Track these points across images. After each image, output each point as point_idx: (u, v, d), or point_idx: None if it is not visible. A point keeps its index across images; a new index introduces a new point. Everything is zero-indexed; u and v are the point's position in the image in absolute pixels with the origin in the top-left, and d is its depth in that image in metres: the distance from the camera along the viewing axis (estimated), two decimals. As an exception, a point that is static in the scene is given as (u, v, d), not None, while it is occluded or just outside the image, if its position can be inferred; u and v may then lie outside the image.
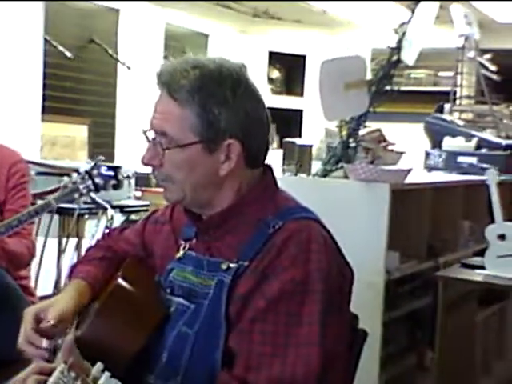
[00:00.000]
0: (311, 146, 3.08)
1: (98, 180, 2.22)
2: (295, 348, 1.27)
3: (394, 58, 2.86)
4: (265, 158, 1.45)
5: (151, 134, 1.39)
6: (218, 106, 1.33)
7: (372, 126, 3.11)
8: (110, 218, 2.84)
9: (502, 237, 2.81)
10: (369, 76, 2.89)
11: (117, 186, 2.25)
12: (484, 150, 4.16)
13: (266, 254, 1.33)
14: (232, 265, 1.35)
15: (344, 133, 2.86)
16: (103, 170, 2.21)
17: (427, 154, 4.23)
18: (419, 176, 3.50)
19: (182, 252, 1.48)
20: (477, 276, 2.82)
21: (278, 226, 1.35)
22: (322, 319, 1.29)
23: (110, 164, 3.26)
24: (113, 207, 3.11)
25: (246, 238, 1.37)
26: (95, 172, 2.22)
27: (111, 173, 2.22)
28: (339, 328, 1.37)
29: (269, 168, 1.48)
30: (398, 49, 2.84)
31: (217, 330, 1.32)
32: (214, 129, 1.34)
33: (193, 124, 1.34)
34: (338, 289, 1.37)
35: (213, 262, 1.39)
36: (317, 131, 3.49)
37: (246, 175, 1.41)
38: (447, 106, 4.69)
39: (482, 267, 2.85)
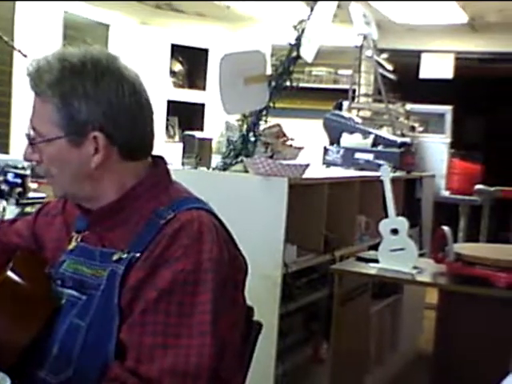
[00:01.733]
0: (211, 140, 3.08)
1: (3, 187, 2.15)
2: (187, 338, 1.27)
3: (294, 54, 2.90)
4: (148, 150, 1.44)
5: (29, 130, 1.40)
6: (79, 98, 1.32)
7: (273, 121, 3.15)
8: (1, 209, 2.75)
9: (394, 231, 2.90)
10: (269, 71, 2.91)
11: (22, 194, 2.18)
12: (380, 147, 4.27)
13: (157, 244, 1.32)
14: (124, 255, 1.34)
15: (244, 127, 2.88)
16: (10, 177, 2.14)
17: (326, 150, 4.32)
18: (317, 171, 3.56)
19: (73, 244, 1.46)
20: (370, 269, 2.90)
21: (170, 217, 1.35)
22: (214, 309, 1.29)
23: (18, 171, 3.16)
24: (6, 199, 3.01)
25: (138, 229, 1.36)
26: (1, 178, 2.14)
27: (18, 180, 2.15)
28: (232, 318, 1.38)
29: (161, 160, 1.47)
30: (297, 45, 2.88)
31: (109, 322, 1.31)
32: (76, 122, 1.34)
33: (55, 118, 1.34)
34: (230, 279, 1.38)
35: (105, 252, 1.38)
36: (219, 125, 3.49)
37: (128, 167, 1.40)
38: (346, 104, 4.79)
39: (376, 261, 2.93)
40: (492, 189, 5.58)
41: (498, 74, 8.31)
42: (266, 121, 3.02)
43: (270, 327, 2.70)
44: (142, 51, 6.31)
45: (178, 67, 6.51)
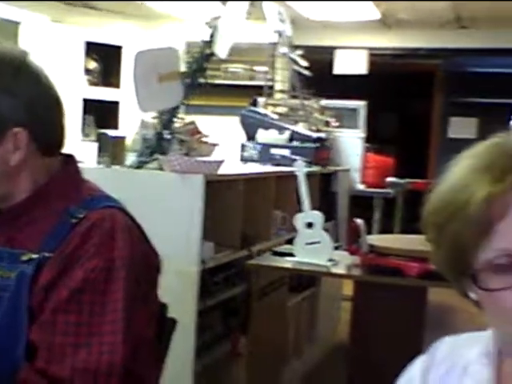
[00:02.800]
0: (125, 138, 3.06)
1: None
2: (99, 337, 1.26)
3: (207, 51, 2.91)
4: (61, 146, 1.43)
5: None
6: None
7: (190, 118, 3.15)
8: None
9: (309, 225, 2.95)
10: (183, 68, 2.91)
11: None
12: (296, 143, 4.33)
13: (68, 243, 1.31)
14: (34, 256, 1.32)
15: (159, 125, 2.87)
16: None
17: (243, 147, 4.34)
18: (233, 167, 3.59)
19: None
20: (286, 263, 2.94)
21: (82, 216, 1.34)
22: (126, 307, 1.29)
23: None
24: None
25: (49, 228, 1.35)
26: None
27: None
28: (146, 316, 1.38)
29: (71, 158, 1.46)
30: (210, 42, 2.89)
31: (18, 324, 1.29)
32: None
33: None
34: (143, 277, 1.38)
35: (13, 253, 1.35)
36: (134, 123, 3.46)
37: (43, 164, 1.39)
38: (262, 100, 4.83)
39: (292, 254, 2.98)
40: (403, 181, 5.75)
41: (410, 70, 8.53)
42: (181, 118, 3.02)
43: (187, 324, 2.70)
44: (55, 49, 6.18)
45: (92, 65, 6.41)
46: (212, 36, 2.89)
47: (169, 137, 2.89)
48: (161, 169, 2.82)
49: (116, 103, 6.40)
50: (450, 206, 0.95)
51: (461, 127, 8.40)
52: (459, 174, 0.96)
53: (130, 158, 2.96)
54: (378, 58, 7.19)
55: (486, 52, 7.12)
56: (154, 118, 2.91)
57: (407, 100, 9.84)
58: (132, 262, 1.33)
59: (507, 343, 1.00)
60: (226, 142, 3.84)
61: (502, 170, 0.91)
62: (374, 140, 6.65)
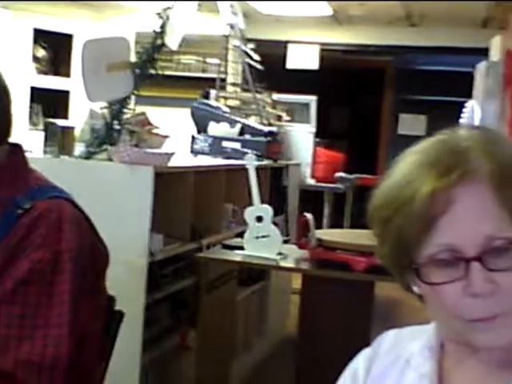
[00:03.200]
0: (73, 128, 3.02)
1: None
2: (45, 329, 1.24)
3: (158, 41, 2.89)
4: (8, 135, 1.40)
5: None
6: None
7: (142, 110, 3.12)
8: None
9: (259, 218, 2.95)
10: (133, 59, 2.89)
11: None
12: (247, 136, 4.33)
13: (14, 234, 1.29)
14: None
15: (108, 115, 2.84)
16: None
17: (193, 139, 4.32)
18: (184, 160, 3.57)
19: None
20: (236, 256, 2.94)
21: (28, 207, 1.32)
22: (73, 299, 1.28)
23: None
24: None
25: None
26: None
27: None
28: (93, 308, 1.37)
29: (18, 147, 1.43)
30: (161, 33, 2.87)
31: None
32: None
33: None
34: (90, 269, 1.36)
35: None
36: (84, 113, 3.41)
37: None
38: (213, 92, 4.81)
39: (242, 248, 2.98)
40: (352, 176, 5.81)
41: (361, 66, 8.62)
42: (132, 109, 3.00)
43: (135, 316, 2.68)
44: (2, 36, 6.05)
45: (41, 53, 6.29)
46: (163, 27, 2.86)
47: (118, 127, 2.86)
48: (110, 160, 2.79)
49: (66, 93, 6.30)
50: (394, 201, 0.96)
51: (410, 124, 8.53)
52: (404, 170, 0.97)
53: (79, 149, 2.92)
54: (329, 54, 7.24)
55: (436, 50, 7.23)
56: (103, 108, 2.87)
57: (358, 96, 9.94)
58: (79, 254, 1.32)
59: (449, 336, 1.02)
60: (176, 134, 3.82)
61: (446, 166, 0.93)
62: (325, 135, 6.71)
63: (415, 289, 1.02)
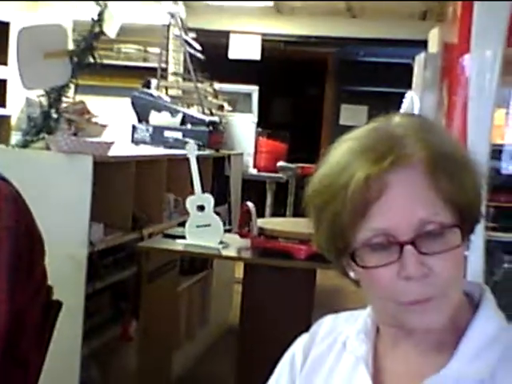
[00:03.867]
0: (10, 117, 2.95)
1: None
2: None
3: (97, 29, 2.84)
4: None
5: None
6: None
7: (82, 99, 3.07)
8: None
9: (201, 208, 2.94)
10: (71, 47, 2.84)
11: None
12: (189, 126, 4.31)
13: None
14: None
15: (46, 103, 2.78)
16: None
17: (134, 128, 4.28)
18: (124, 149, 3.53)
19: None
20: (177, 245, 2.93)
21: None
22: (9, 278, 1.26)
23: None
24: None
25: None
26: None
27: None
28: (29, 291, 1.35)
29: None
30: (99, 21, 2.83)
31: None
32: None
33: None
34: (27, 248, 1.35)
35: None
36: (21, 101, 3.34)
37: None
38: (154, 82, 4.77)
39: (183, 237, 2.96)
40: (293, 166, 5.84)
41: (303, 57, 8.66)
42: (71, 97, 2.95)
43: (75, 307, 2.65)
44: None
45: (-23, 40, 6.12)
46: (101, 14, 2.82)
47: (56, 116, 2.81)
48: (48, 149, 2.74)
49: (3, 81, 6.15)
50: (330, 188, 0.97)
51: (352, 114, 8.62)
52: (339, 157, 0.98)
53: (15, 137, 2.86)
54: (271, 44, 7.25)
55: (377, 42, 7.31)
56: (40, 96, 2.82)
57: (300, 87, 9.99)
58: (17, 233, 1.31)
59: (384, 320, 1.04)
60: (117, 124, 3.78)
61: (380, 152, 0.94)
62: (267, 125, 6.72)
63: (351, 274, 1.03)
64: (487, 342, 0.97)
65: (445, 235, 0.93)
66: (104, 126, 3.01)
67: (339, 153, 0.99)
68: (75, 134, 2.80)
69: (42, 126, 2.77)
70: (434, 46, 5.20)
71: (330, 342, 1.11)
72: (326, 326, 1.15)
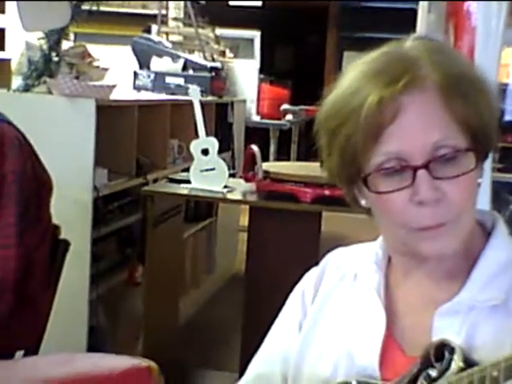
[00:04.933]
0: (10, 60, 2.91)
1: None
2: None
3: (97, -31, 2.79)
4: None
5: None
6: None
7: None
8: None
9: (205, 151, 2.92)
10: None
11: None
12: (191, 72, 4.26)
13: None
14: None
15: (46, 46, 2.74)
16: None
17: (136, 75, 4.22)
18: (127, 95, 3.50)
19: None
20: (182, 189, 2.91)
21: None
22: (18, 222, 1.26)
23: None
24: None
25: None
26: None
27: None
28: (38, 234, 1.35)
29: None
30: (99, -40, 2.77)
31: None
32: None
33: None
34: (34, 193, 1.34)
35: None
36: (20, 46, 3.29)
37: None
38: (155, 28, 4.71)
39: (188, 181, 2.95)
40: (297, 108, 5.79)
41: (304, 3, 8.53)
42: (73, 42, 2.90)
43: (82, 251, 2.66)
44: None
45: (-27, -12, 6.03)
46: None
47: (57, 59, 2.77)
48: (49, 93, 2.71)
49: (2, 30, 6.07)
50: (342, 110, 0.95)
51: (355, 61, 8.52)
52: (352, 80, 0.96)
53: (16, 82, 2.83)
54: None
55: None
56: (40, 38, 2.77)
57: (302, 34, 9.87)
58: (23, 177, 1.30)
59: (396, 248, 1.03)
60: (118, 71, 3.73)
61: (393, 75, 0.92)
62: (269, 72, 6.65)
63: (363, 202, 1.02)
64: (499, 269, 0.97)
65: (459, 159, 0.92)
66: (106, 70, 2.97)
67: (351, 76, 0.97)
68: (77, 78, 2.76)
69: (42, 69, 2.73)
70: (438, -11, 5.12)
71: (341, 274, 1.11)
72: (336, 259, 1.14)
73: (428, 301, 0.99)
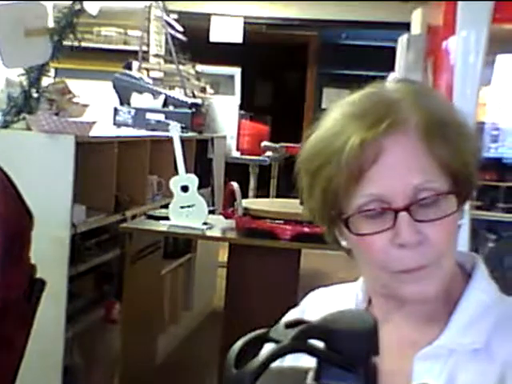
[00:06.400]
0: (-10, 97, 2.90)
1: None
2: None
3: (77, 6, 2.79)
4: None
5: None
6: None
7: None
8: None
9: (184, 188, 2.91)
10: (51, 25, 2.79)
11: None
12: (171, 108, 4.26)
13: None
14: None
15: (26, 82, 2.73)
16: None
17: (116, 111, 4.22)
18: (107, 131, 3.49)
19: None
20: (161, 226, 2.90)
21: None
22: (1, 262, 1.24)
23: None
24: None
25: None
26: None
27: None
28: (17, 276, 1.33)
29: None
30: (80, -2, 2.78)
31: None
32: None
33: None
34: (17, 235, 1.32)
35: None
36: (0, 82, 3.29)
37: None
38: (136, 64, 4.72)
39: (167, 218, 2.93)
40: (277, 145, 5.82)
41: (285, 40, 8.62)
42: (53, 78, 2.90)
43: (58, 289, 2.62)
44: None
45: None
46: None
47: (37, 95, 2.76)
48: (29, 129, 2.70)
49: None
50: (324, 152, 0.95)
51: (334, 98, 8.53)
52: (334, 121, 0.96)
53: (-5, 119, 2.81)
54: (253, 27, 7.20)
55: (359, 24, 7.29)
56: (20, 75, 2.76)
57: (282, 70, 9.96)
58: (7, 220, 1.28)
59: (376, 290, 1.02)
60: (98, 107, 3.72)
61: (376, 117, 0.92)
62: (249, 108, 6.68)
63: (343, 243, 1.01)
64: (480, 311, 0.96)
65: (440, 202, 0.92)
66: (85, 106, 2.96)
67: (333, 117, 0.97)
68: (57, 114, 2.75)
69: (22, 105, 2.72)
70: (416, 28, 5.19)
71: (321, 315, 1.09)
72: (317, 299, 1.13)
73: (407, 344, 0.98)
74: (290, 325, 0.65)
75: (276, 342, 0.63)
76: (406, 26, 5.51)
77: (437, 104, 0.96)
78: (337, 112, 0.97)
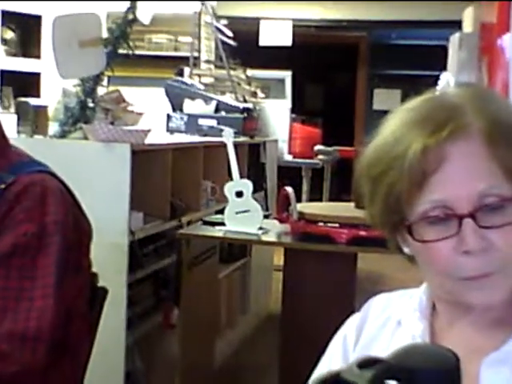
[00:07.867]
0: (46, 107, 2.96)
1: None
2: (28, 301, 1.23)
3: (130, 16, 2.83)
4: None
5: None
6: None
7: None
8: None
9: (239, 194, 2.92)
10: (105, 35, 2.83)
11: None
12: (223, 113, 4.29)
13: None
14: None
15: (82, 92, 2.79)
16: None
17: (169, 117, 4.27)
18: (161, 137, 3.53)
19: None
20: (217, 232, 2.91)
21: (10, 181, 1.30)
22: (58, 272, 1.26)
23: None
24: None
25: None
26: None
27: None
28: (78, 283, 1.35)
29: None
30: (133, 8, 2.82)
31: None
32: None
33: None
34: (75, 242, 1.35)
35: None
36: (56, 94, 3.35)
37: None
38: (187, 70, 4.76)
39: (223, 224, 2.95)
40: (330, 149, 5.80)
41: (335, 42, 8.59)
42: (103, 85, 2.95)
43: (118, 296, 2.65)
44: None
45: (9, 35, 6.17)
46: (134, 1, 2.81)
47: (92, 105, 2.81)
48: (85, 138, 2.75)
49: (37, 74, 6.19)
50: (385, 158, 0.94)
51: (385, 99, 8.52)
52: (395, 127, 0.96)
53: (53, 128, 2.87)
54: (302, 30, 7.20)
55: (409, 24, 7.22)
56: (76, 85, 2.82)
57: (332, 72, 9.92)
58: (65, 227, 1.31)
59: (440, 297, 1.01)
60: (151, 114, 3.77)
61: (437, 123, 0.91)
62: (300, 111, 6.68)
63: (406, 249, 1.00)
64: None
65: (505, 207, 0.90)
66: (140, 114, 3.00)
67: (395, 124, 0.96)
68: (112, 123, 2.79)
69: (78, 115, 2.77)
70: (468, 26, 5.11)
71: (384, 321, 1.09)
72: (379, 305, 1.12)
73: (474, 350, 0.96)
74: (363, 364, 0.63)
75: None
76: (457, 25, 5.44)
77: (499, 108, 0.95)
78: (396, 118, 0.96)
